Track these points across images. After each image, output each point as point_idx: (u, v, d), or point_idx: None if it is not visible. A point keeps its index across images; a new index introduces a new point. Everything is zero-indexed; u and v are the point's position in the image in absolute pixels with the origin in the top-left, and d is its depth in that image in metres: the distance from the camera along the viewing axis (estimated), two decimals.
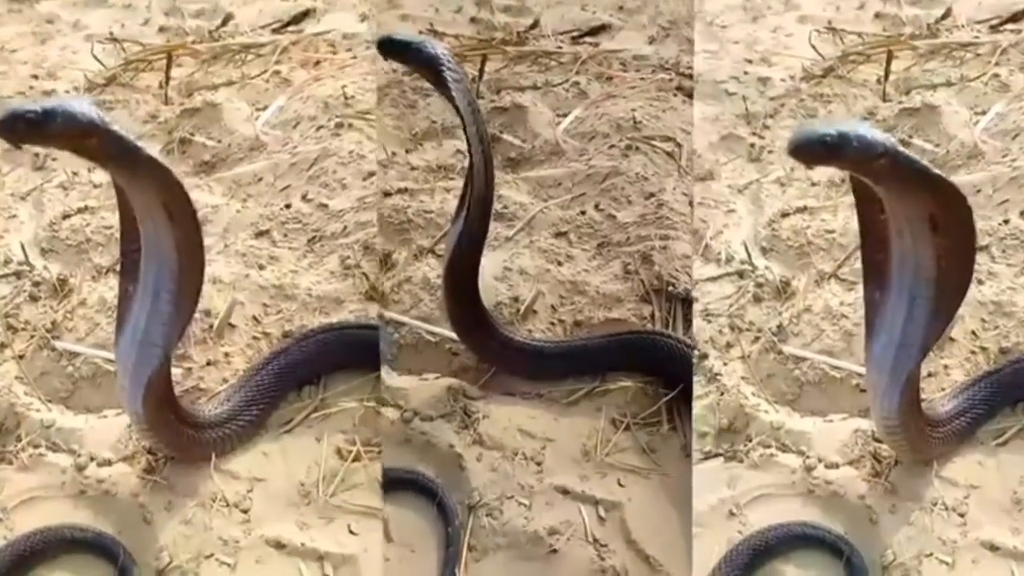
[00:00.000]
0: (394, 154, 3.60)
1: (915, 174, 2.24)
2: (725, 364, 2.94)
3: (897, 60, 3.90)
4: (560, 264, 3.22)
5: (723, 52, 4.01)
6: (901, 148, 2.20)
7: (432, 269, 3.17)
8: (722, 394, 2.87)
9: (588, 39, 4.13)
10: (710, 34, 4.05)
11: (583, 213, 3.39)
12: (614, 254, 3.26)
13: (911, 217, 2.33)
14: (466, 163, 3.30)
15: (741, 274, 3.18)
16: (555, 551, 2.57)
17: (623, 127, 3.70)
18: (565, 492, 2.68)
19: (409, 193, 3.44)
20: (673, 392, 2.85)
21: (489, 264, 2.97)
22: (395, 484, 2.67)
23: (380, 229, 3.30)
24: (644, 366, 2.92)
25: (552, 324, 3.09)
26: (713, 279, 3.16)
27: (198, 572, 2.49)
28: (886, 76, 3.83)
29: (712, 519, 2.63)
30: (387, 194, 3.42)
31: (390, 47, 2.70)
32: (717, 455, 2.76)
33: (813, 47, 3.99)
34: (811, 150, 2.12)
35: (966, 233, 2.37)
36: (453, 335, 2.96)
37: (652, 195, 3.43)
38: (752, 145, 3.61)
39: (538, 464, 2.73)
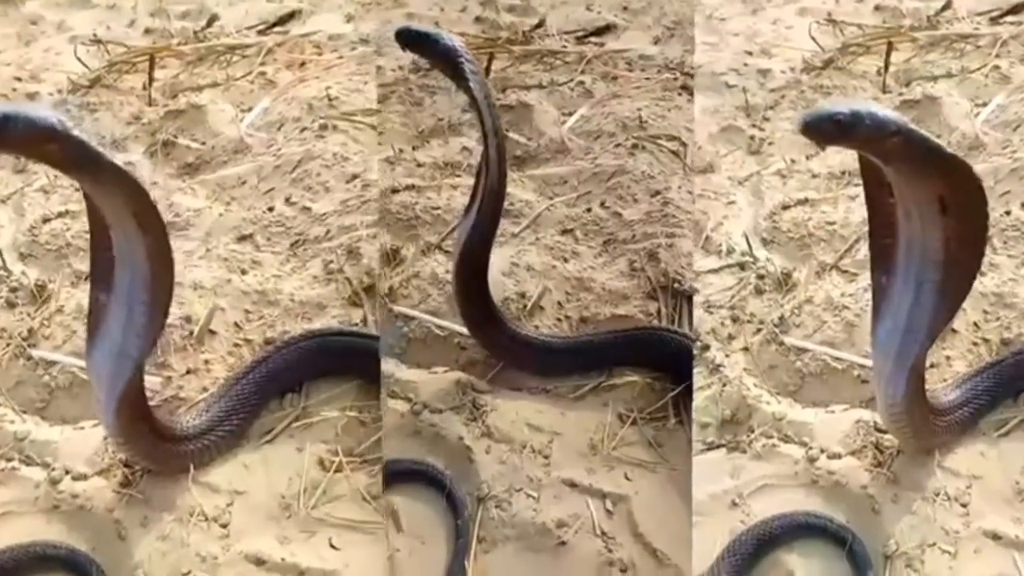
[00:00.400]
0: (401, 151, 3.55)
1: (927, 153, 2.16)
2: (727, 356, 2.89)
3: (897, 52, 3.85)
4: (566, 261, 3.17)
5: (723, 44, 3.96)
6: (914, 127, 2.13)
7: (440, 264, 3.12)
8: (724, 385, 2.81)
9: (593, 39, 4.09)
10: (709, 27, 4.01)
11: (589, 211, 3.35)
12: (620, 251, 3.21)
13: (920, 199, 2.26)
14: (472, 160, 3.42)
15: (742, 266, 3.12)
16: (563, 543, 2.52)
17: (629, 126, 3.65)
18: (573, 485, 2.62)
19: (416, 190, 3.39)
20: (680, 387, 2.79)
21: (496, 260, 2.88)
22: (405, 475, 2.62)
23: (388, 225, 3.25)
24: (650, 362, 2.86)
25: (559, 320, 3.03)
26: (714, 271, 3.11)
27: None
28: (886, 67, 3.78)
29: (715, 509, 2.58)
30: (394, 191, 3.37)
31: (409, 38, 2.62)
32: (720, 446, 2.71)
33: (813, 39, 3.94)
34: (823, 129, 2.04)
35: (977, 214, 2.29)
36: (461, 329, 2.91)
37: (658, 193, 3.38)
38: (752, 137, 3.56)
39: (546, 457, 2.67)
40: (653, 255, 3.15)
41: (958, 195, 2.23)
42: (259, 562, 2.43)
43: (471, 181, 2.91)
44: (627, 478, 2.63)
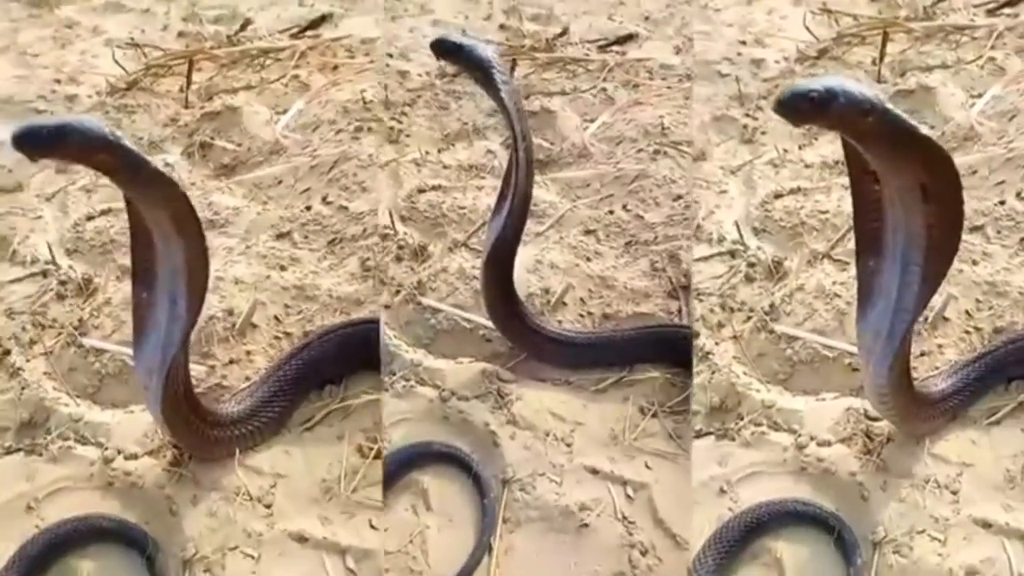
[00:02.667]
0: (427, 153, 3.39)
1: (903, 135, 1.95)
2: (717, 344, 2.71)
3: (893, 43, 3.60)
4: (589, 260, 3.00)
5: (716, 34, 3.75)
6: (891, 106, 1.92)
7: (466, 261, 2.96)
8: (713, 373, 2.63)
9: (615, 48, 3.87)
10: (704, 16, 3.82)
11: (611, 213, 3.16)
12: (642, 252, 3.02)
13: (902, 187, 2.06)
14: (496, 163, 3.26)
15: (733, 254, 2.93)
16: (586, 525, 2.37)
17: (650, 132, 3.44)
18: (595, 472, 2.46)
19: (443, 190, 3.23)
20: None
21: (521, 258, 2.73)
22: (434, 457, 2.50)
23: (416, 223, 3.11)
24: (671, 358, 2.67)
25: (581, 316, 2.85)
26: (705, 259, 2.93)
27: (223, 564, 2.29)
28: (881, 58, 3.54)
29: (703, 496, 2.41)
30: (421, 191, 3.22)
31: (443, 48, 2.51)
32: (708, 433, 2.53)
33: (807, 28, 3.69)
34: (796, 106, 1.83)
35: (956, 201, 2.08)
36: (487, 323, 2.76)
37: (679, 197, 3.18)
38: (745, 126, 3.35)
39: (568, 445, 2.51)
40: (674, 256, 2.97)
41: (938, 182, 2.03)
42: (302, 540, 2.33)
43: (495, 182, 2.81)
44: (647, 467, 2.46)
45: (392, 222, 3.09)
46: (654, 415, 2.55)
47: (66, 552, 2.31)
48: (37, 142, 1.96)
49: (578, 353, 2.70)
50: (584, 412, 2.57)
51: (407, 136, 3.46)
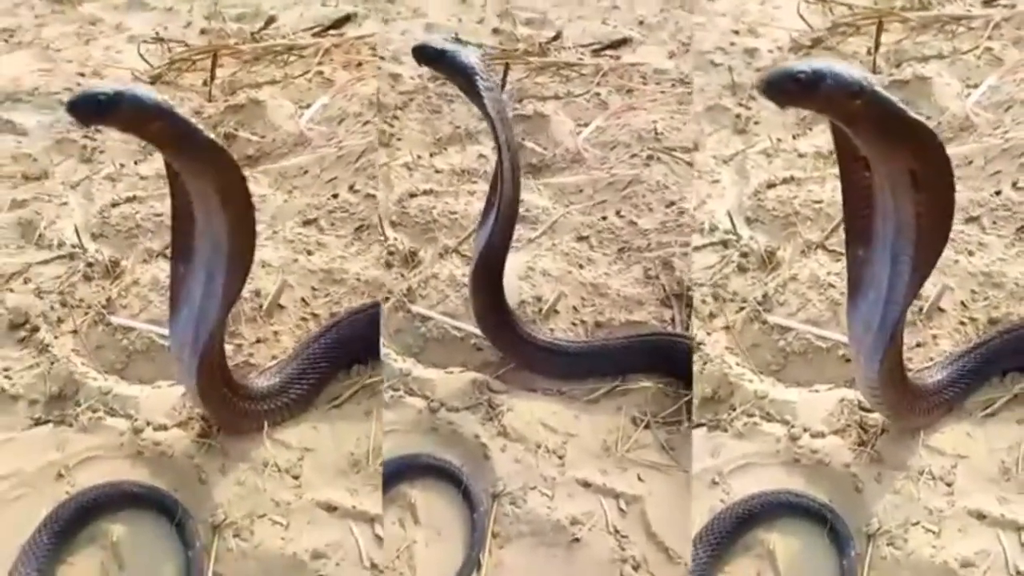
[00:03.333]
0: (419, 157, 3.46)
1: (893, 118, 1.98)
2: (709, 334, 2.74)
3: (888, 33, 3.67)
4: (582, 267, 3.05)
5: (710, 24, 3.83)
6: (880, 88, 1.94)
7: (457, 267, 3.02)
8: (705, 364, 2.67)
9: (609, 52, 3.97)
10: (697, 6, 3.89)
11: (604, 219, 3.21)
12: (635, 259, 3.07)
13: (892, 173, 2.09)
14: (488, 167, 3.29)
15: (725, 244, 2.99)
16: (577, 540, 2.39)
17: (644, 137, 3.52)
18: (587, 485, 2.49)
19: (434, 195, 3.30)
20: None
21: (512, 264, 2.79)
22: (423, 470, 2.53)
23: (406, 228, 3.19)
24: (664, 367, 2.70)
25: (574, 324, 2.90)
26: (696, 249, 2.98)
27: (252, 529, 2.37)
28: (876, 47, 3.60)
29: (695, 488, 2.43)
30: (412, 195, 3.28)
31: (425, 54, 2.54)
32: (700, 424, 2.56)
33: (802, 18, 3.78)
34: (784, 87, 1.87)
35: (946, 188, 2.11)
36: (477, 331, 2.79)
37: (673, 203, 3.24)
38: (738, 116, 3.42)
39: (560, 457, 2.54)
40: (667, 263, 3.01)
41: (929, 168, 2.06)
42: (331, 508, 2.41)
43: (487, 187, 2.79)
44: (640, 479, 2.49)
45: (382, 227, 3.12)
46: (647, 426, 2.57)
47: (97, 516, 2.40)
48: (92, 108, 2.04)
49: (570, 362, 2.72)
50: (576, 423, 2.59)
51: (398, 140, 3.53)
